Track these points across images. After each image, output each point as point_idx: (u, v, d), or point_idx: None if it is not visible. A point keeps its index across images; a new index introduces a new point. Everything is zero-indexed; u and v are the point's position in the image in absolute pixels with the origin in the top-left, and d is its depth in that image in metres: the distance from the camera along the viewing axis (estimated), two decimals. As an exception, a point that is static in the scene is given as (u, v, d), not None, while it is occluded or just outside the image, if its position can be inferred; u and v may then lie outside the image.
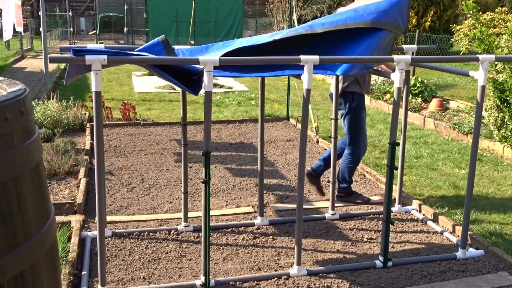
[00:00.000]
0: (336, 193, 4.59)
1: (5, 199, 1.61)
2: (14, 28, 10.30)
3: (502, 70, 6.02)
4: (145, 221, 4.22)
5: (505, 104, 5.95)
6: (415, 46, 4.22)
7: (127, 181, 5.12)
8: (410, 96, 8.89)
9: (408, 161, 5.85)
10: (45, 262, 1.82)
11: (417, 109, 8.54)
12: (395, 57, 3.29)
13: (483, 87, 3.50)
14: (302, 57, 3.12)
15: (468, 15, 6.70)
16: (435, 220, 4.31)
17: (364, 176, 5.40)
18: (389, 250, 3.54)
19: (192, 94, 3.29)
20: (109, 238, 3.84)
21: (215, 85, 10.70)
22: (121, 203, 4.57)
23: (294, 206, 4.28)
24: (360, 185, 5.15)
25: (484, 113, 6.29)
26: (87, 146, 5.95)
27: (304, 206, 4.31)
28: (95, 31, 23.31)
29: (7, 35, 10.50)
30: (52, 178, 4.89)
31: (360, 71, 3.78)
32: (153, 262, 3.56)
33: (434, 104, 8.37)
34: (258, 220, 4.18)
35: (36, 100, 7.24)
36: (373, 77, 10.42)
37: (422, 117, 7.89)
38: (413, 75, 10.07)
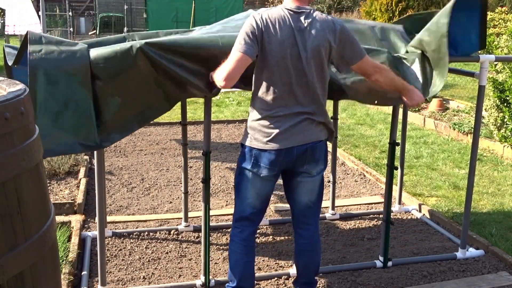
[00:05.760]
0: None
1: (5, 199, 1.61)
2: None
3: (501, 70, 6.02)
4: (145, 221, 4.22)
5: (505, 104, 5.95)
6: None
7: (127, 181, 5.12)
8: (410, 96, 8.86)
9: (408, 161, 5.85)
10: (45, 262, 1.81)
11: (417, 109, 8.53)
12: (395, 57, 3.29)
13: (483, 87, 3.50)
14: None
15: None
16: (435, 220, 4.30)
17: (364, 176, 5.40)
18: (389, 250, 3.54)
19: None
20: (109, 238, 3.84)
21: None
22: (121, 203, 4.57)
23: (294, 206, 4.27)
24: (360, 185, 5.15)
25: (484, 113, 6.29)
26: (87, 146, 5.94)
27: (304, 206, 4.30)
28: (95, 31, 23.30)
29: (12, 30, 10.48)
30: (52, 178, 4.89)
31: None
32: (153, 262, 3.55)
33: (434, 104, 8.36)
34: (258, 220, 4.18)
35: (36, 100, 7.23)
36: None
37: (422, 117, 7.89)
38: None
